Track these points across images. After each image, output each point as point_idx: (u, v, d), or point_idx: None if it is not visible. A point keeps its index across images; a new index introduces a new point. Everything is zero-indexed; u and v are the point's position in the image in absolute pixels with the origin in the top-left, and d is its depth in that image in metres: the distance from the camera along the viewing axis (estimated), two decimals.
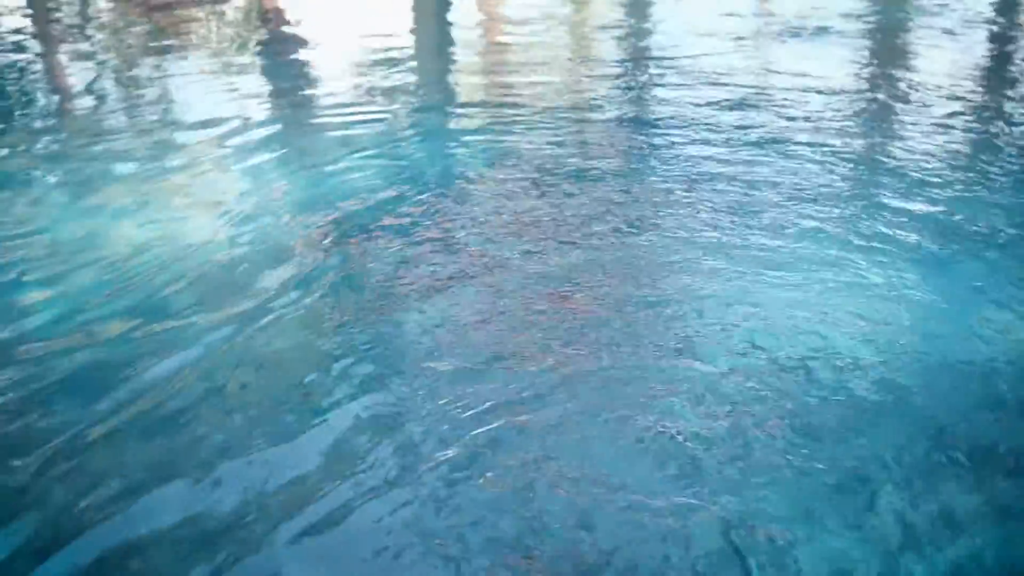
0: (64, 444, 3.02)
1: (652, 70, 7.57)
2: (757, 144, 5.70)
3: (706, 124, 6.07)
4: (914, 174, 5.25)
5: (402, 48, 8.55)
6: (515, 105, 6.48)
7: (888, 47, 9.01)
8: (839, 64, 7.84)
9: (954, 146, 5.78)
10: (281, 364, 3.47)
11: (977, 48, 8.72)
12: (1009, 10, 10.57)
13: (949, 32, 9.09)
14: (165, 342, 3.56)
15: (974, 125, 6.25)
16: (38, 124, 6.34)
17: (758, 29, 9.37)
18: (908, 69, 7.91)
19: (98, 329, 3.68)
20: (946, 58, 8.05)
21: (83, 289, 3.96)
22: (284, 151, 5.62)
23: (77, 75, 7.56)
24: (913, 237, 4.46)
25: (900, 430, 3.11)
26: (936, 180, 5.16)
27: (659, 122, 6.11)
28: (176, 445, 3.03)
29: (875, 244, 4.38)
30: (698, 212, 4.71)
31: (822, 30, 9.17)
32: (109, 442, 3.04)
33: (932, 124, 6.15)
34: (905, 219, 4.65)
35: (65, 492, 2.85)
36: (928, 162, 5.44)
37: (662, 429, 3.09)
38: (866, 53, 8.57)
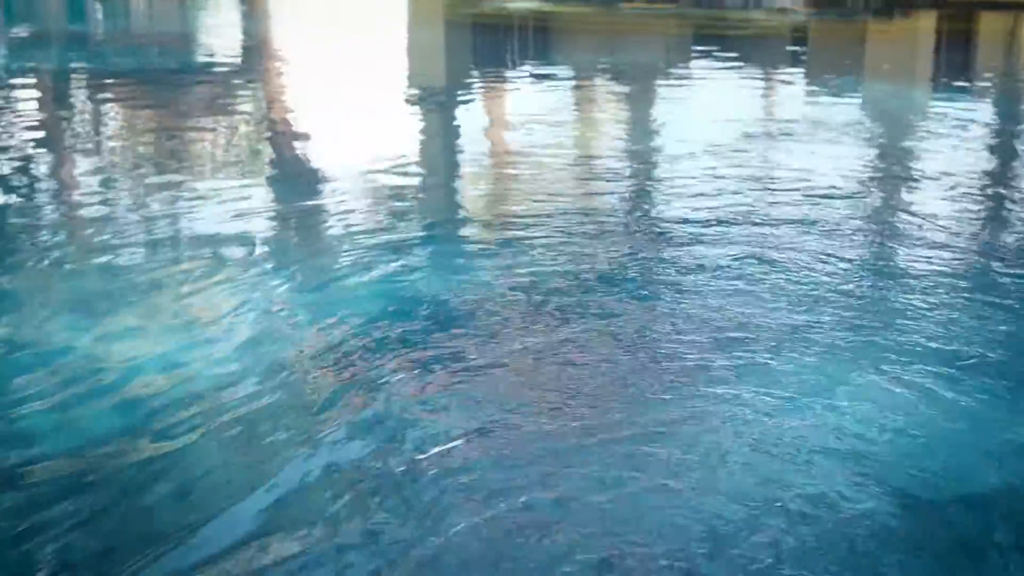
0: None
1: (658, 189, 7.67)
2: (764, 254, 5.71)
3: (712, 236, 6.09)
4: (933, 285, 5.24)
5: (410, 168, 8.57)
6: (524, 224, 6.44)
7: (885, 148, 9.22)
8: (843, 167, 7.94)
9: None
10: None
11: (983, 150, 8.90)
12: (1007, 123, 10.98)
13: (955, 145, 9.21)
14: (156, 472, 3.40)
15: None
16: (37, 242, 6.21)
17: (755, 134, 9.57)
18: (907, 172, 8.07)
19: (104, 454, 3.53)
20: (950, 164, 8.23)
21: (84, 410, 3.81)
22: (287, 272, 5.50)
23: (82, 189, 7.52)
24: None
25: None
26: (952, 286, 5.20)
27: (674, 240, 6.10)
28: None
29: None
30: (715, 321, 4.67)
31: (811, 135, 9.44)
32: None
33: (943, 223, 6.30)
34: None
35: None
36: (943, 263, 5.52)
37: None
38: (864, 156, 8.73)
